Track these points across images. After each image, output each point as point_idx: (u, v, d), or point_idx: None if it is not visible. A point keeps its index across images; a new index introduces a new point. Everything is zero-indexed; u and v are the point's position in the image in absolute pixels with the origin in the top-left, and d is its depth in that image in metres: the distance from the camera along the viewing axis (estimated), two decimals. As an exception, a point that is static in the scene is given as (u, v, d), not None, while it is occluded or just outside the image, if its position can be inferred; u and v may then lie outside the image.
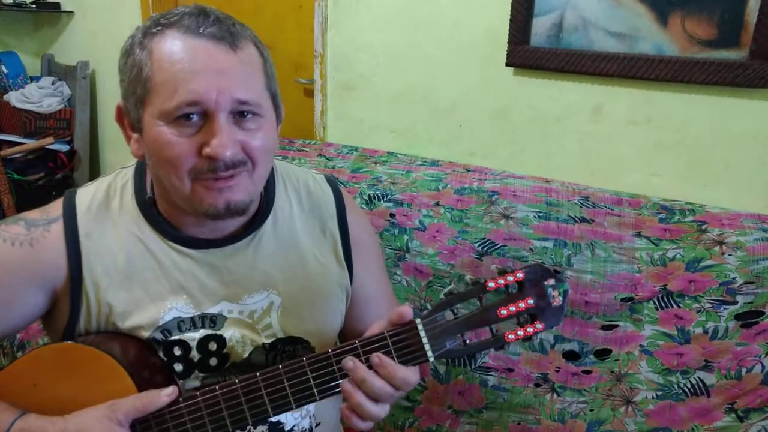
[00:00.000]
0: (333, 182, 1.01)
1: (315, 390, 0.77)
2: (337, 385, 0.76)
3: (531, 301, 0.76)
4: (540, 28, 1.50)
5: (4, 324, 0.83)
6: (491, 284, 0.75)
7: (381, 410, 0.76)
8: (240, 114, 0.77)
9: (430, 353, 0.75)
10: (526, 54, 1.52)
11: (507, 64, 1.57)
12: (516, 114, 1.62)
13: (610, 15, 1.41)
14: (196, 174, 0.77)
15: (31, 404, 0.78)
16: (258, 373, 0.78)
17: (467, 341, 0.76)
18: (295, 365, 0.77)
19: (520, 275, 0.75)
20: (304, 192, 0.97)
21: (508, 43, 1.55)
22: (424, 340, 0.75)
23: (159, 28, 0.75)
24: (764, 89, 1.28)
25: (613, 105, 1.47)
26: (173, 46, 0.74)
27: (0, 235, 0.82)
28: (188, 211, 0.83)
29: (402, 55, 1.76)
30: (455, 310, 0.77)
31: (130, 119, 0.81)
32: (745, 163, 1.35)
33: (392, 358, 0.75)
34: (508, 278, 0.75)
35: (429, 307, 1.32)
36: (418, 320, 0.76)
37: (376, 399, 0.75)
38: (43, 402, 0.78)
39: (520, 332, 0.76)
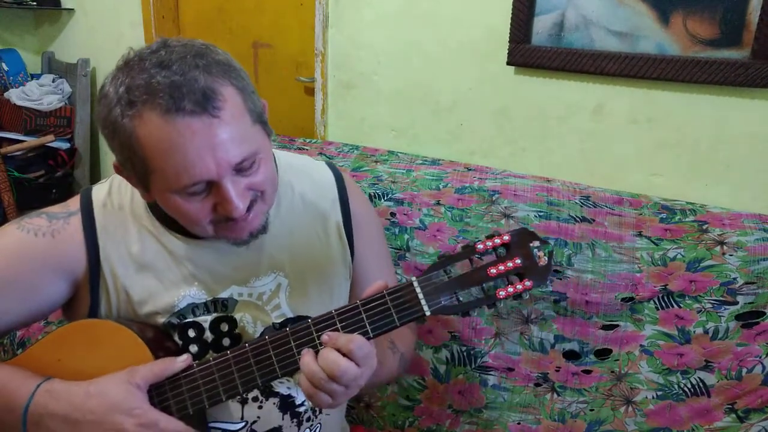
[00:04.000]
0: (333, 166, 1.06)
1: (321, 349, 0.80)
2: None
3: (518, 261, 0.81)
4: (541, 27, 1.50)
5: (29, 310, 0.89)
6: (480, 246, 0.81)
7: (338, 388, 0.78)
8: (241, 167, 0.80)
9: (426, 308, 0.80)
10: (527, 53, 1.52)
11: (508, 63, 1.56)
12: (517, 113, 1.61)
13: (611, 14, 1.40)
14: (217, 222, 0.82)
15: (57, 377, 0.83)
16: (267, 336, 0.82)
17: (461, 299, 0.81)
18: (300, 327, 0.81)
19: (506, 238, 0.81)
20: (306, 178, 1.01)
21: (509, 41, 1.54)
22: (420, 296, 0.80)
23: (135, 109, 0.73)
24: (766, 89, 1.27)
25: (615, 104, 1.47)
26: (158, 132, 0.73)
27: (24, 227, 0.88)
28: None
29: (403, 54, 1.76)
30: (448, 271, 0.81)
31: (132, 177, 0.82)
32: (746, 163, 1.35)
33: (391, 314, 0.80)
34: (496, 241, 0.81)
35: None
36: (413, 278, 0.81)
37: (332, 376, 0.76)
38: (67, 375, 0.83)
39: (510, 289, 0.80)
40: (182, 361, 0.83)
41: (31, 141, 2.69)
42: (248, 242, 0.88)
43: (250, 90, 0.81)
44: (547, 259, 0.81)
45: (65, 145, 2.82)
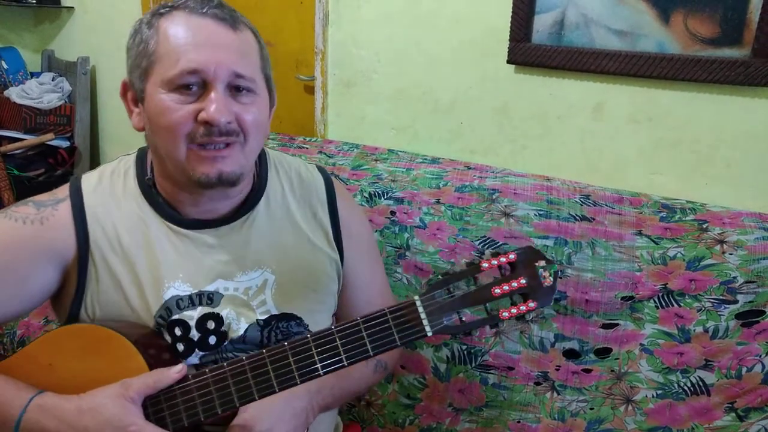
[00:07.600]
0: (324, 170, 1.06)
1: (319, 365, 0.80)
2: (341, 360, 0.79)
3: (523, 281, 0.79)
4: (541, 26, 1.50)
5: (21, 299, 0.87)
6: (485, 265, 0.79)
7: None
8: (236, 88, 0.83)
9: (428, 328, 0.79)
10: (528, 51, 1.52)
11: (508, 62, 1.56)
12: (517, 112, 1.61)
13: (612, 12, 1.40)
14: (192, 139, 0.82)
15: (47, 384, 0.81)
16: (264, 350, 0.81)
17: (463, 319, 0.79)
18: (300, 342, 0.80)
19: (512, 257, 0.79)
20: (296, 178, 1.02)
21: (510, 40, 1.54)
22: (423, 316, 0.79)
23: (167, 9, 0.83)
24: (766, 88, 1.28)
25: (615, 103, 1.47)
26: (179, 23, 0.82)
27: (11, 216, 0.87)
28: (184, 185, 0.87)
29: (403, 52, 1.76)
30: (451, 290, 0.80)
31: (134, 92, 0.87)
32: (746, 161, 1.35)
33: (392, 333, 0.79)
34: (501, 260, 0.79)
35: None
36: (416, 297, 0.79)
37: None
38: (59, 381, 0.81)
39: (514, 310, 0.79)
40: (177, 372, 0.81)
41: (31, 139, 2.68)
42: (215, 185, 0.84)
43: (267, 56, 0.90)
44: (552, 279, 0.79)
45: (65, 144, 2.81)
